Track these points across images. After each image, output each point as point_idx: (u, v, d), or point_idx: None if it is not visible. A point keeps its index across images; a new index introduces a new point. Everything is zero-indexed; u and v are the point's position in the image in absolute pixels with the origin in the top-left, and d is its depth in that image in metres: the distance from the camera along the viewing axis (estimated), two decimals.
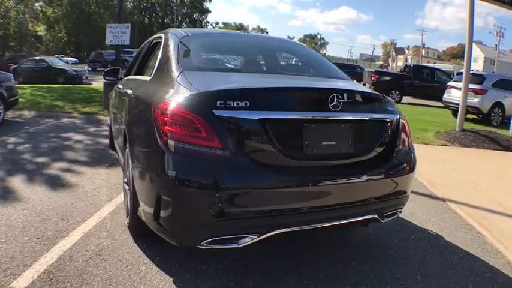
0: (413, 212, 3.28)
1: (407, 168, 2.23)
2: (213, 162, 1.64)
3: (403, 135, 2.24)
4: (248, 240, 1.73)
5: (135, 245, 2.34)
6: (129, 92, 2.65)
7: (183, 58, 2.26)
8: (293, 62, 2.79)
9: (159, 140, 1.70)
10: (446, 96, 11.65)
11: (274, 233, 1.76)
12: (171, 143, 1.65)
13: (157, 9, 53.86)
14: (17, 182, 3.35)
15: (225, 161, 1.65)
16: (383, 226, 2.87)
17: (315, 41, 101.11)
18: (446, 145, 6.58)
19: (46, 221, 2.60)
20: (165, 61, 2.32)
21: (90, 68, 24.03)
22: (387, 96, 2.30)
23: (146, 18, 52.74)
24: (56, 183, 3.42)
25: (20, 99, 8.49)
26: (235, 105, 1.68)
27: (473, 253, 2.55)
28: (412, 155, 2.32)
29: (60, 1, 40.03)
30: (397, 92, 15.14)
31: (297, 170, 1.81)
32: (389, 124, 2.16)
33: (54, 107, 8.41)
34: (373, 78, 15.47)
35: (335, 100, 1.85)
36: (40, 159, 4.18)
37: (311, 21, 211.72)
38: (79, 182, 3.48)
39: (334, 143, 1.94)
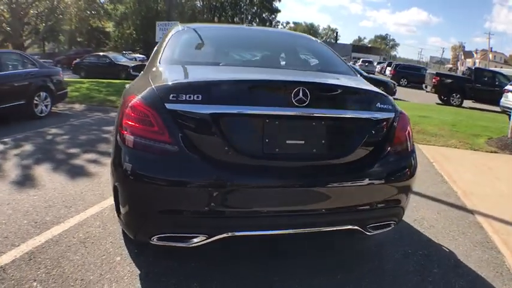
0: (432, 224, 2.97)
1: (401, 174, 1.99)
2: (161, 156, 1.63)
3: (399, 137, 2.00)
4: (198, 240, 1.69)
5: (121, 236, 2.42)
6: (126, 86, 2.77)
7: (167, 52, 2.29)
8: (284, 55, 2.65)
9: (118, 133, 1.75)
10: (503, 101, 10.85)
11: (224, 235, 1.69)
12: (126, 136, 1.68)
13: (226, 9, 55.21)
14: (40, 170, 3.69)
15: (173, 155, 1.62)
16: (389, 237, 2.66)
17: (385, 42, 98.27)
18: (495, 152, 5.86)
19: (50, 207, 2.82)
20: (154, 55, 2.39)
21: None
22: (383, 93, 2.02)
23: (216, 18, 54.35)
24: (76, 172, 3.70)
25: (75, 93, 9.39)
26: (187, 98, 1.63)
27: (484, 276, 2.23)
28: (411, 160, 2.06)
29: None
30: (458, 95, 14.59)
31: (254, 170, 1.69)
32: (378, 124, 1.93)
33: (106, 101, 8.86)
34: (434, 80, 15.04)
35: (300, 94, 1.69)
36: (72, 150, 4.55)
37: (382, 22, 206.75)
38: (98, 173, 3.72)
39: (302, 142, 1.77)
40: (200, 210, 1.67)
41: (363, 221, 1.91)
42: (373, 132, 1.90)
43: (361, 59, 36.75)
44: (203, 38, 2.59)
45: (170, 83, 1.72)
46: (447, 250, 2.56)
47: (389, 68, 27.16)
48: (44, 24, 18.45)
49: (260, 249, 2.36)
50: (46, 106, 6.70)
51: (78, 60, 19.04)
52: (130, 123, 1.68)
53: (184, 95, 1.63)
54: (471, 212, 3.29)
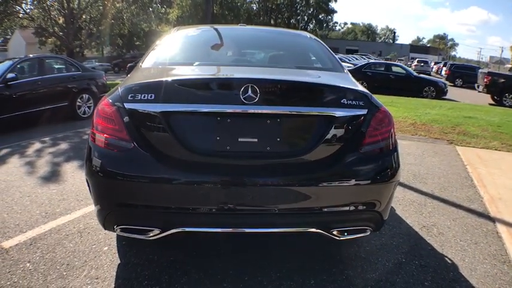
0: (443, 231, 2.82)
1: (375, 176, 1.91)
2: (119, 153, 1.81)
3: (372, 135, 1.91)
4: (153, 234, 1.84)
5: None
6: None
7: (151, 55, 2.49)
8: (267, 54, 2.69)
9: (91, 131, 1.98)
10: None
11: (176, 230, 1.82)
12: (96, 134, 1.89)
13: (282, 10, 56.71)
14: (67, 167, 4.17)
15: (128, 152, 1.79)
16: (385, 244, 2.60)
17: (444, 42, 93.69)
18: None
19: (63, 200, 3.20)
20: (142, 59, 2.60)
21: None
22: (355, 89, 1.97)
23: (272, 20, 56.06)
24: None
25: None
26: (142, 98, 1.78)
27: None
28: (388, 161, 1.96)
29: (181, 2, 45.16)
30: (511, 96, 13.80)
31: (204, 167, 1.78)
32: (343, 121, 1.87)
33: None
34: (485, 80, 14.31)
35: (249, 91, 1.74)
36: None
37: (441, 22, 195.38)
38: None
39: (255, 140, 1.81)
40: (152, 205, 1.83)
41: (325, 224, 1.89)
42: (337, 130, 1.85)
43: (417, 59, 35.57)
44: (190, 39, 2.75)
45: (130, 84, 1.89)
46: (450, 262, 2.42)
47: (444, 68, 26.49)
48: (95, 29, 20.15)
49: (242, 247, 2.46)
50: (89, 108, 7.44)
51: (132, 63, 20.71)
52: (98, 122, 1.90)
53: (140, 95, 1.80)
54: (493, 219, 3.04)
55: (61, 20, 19.96)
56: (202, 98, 1.81)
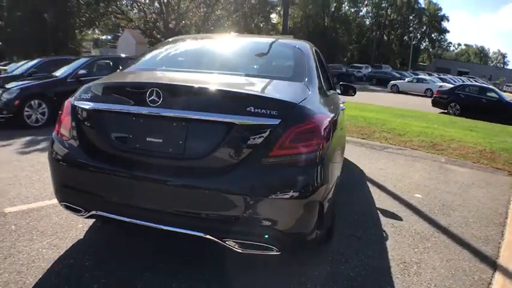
0: (423, 271, 2.49)
1: (276, 191, 1.83)
2: (62, 141, 2.21)
3: (285, 147, 1.86)
4: (82, 214, 2.16)
5: None
6: None
7: (138, 59, 2.90)
8: (234, 61, 2.83)
9: None
10: None
11: (93, 213, 2.10)
12: (57, 125, 2.34)
13: (395, 27, 57.70)
14: None
15: (67, 141, 2.19)
16: (336, 273, 2.41)
17: None
18: None
19: None
20: None
21: None
22: (271, 98, 1.98)
23: (385, 36, 57.35)
24: None
25: None
26: (83, 97, 2.18)
27: None
28: (302, 177, 1.86)
29: (293, 13, 47.03)
30: None
31: (116, 161, 2.03)
32: (248, 129, 1.86)
33: None
34: None
35: (153, 95, 1.93)
36: None
37: None
38: None
39: (160, 140, 1.98)
40: (78, 188, 2.16)
41: (216, 232, 1.90)
42: (237, 137, 1.87)
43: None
44: (174, 47, 3.10)
45: (85, 86, 2.29)
46: None
47: None
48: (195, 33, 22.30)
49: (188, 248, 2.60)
50: None
51: None
52: (59, 114, 2.34)
53: (84, 94, 2.21)
54: (495, 267, 2.61)
55: (160, 23, 22.18)
56: (121, 99, 2.08)
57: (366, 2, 55.11)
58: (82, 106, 2.16)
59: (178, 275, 2.23)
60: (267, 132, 1.86)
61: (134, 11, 24.97)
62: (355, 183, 4.46)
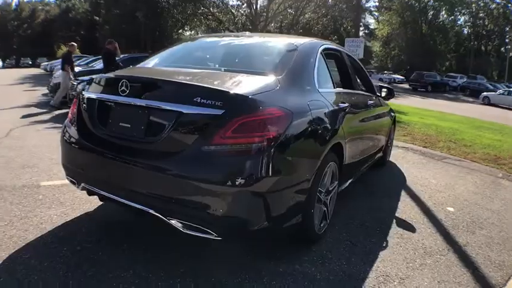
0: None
1: (210, 178, 1.96)
2: (70, 124, 2.65)
3: (226, 136, 1.97)
4: (76, 187, 2.57)
5: None
6: None
7: (143, 59, 3.26)
8: (225, 59, 3.00)
9: None
10: None
11: (82, 185, 2.46)
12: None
13: (492, 37, 54.53)
14: None
15: (72, 123, 2.62)
16: (307, 274, 2.40)
17: None
18: None
19: None
20: None
21: (410, 87, 28.65)
22: (218, 89, 2.12)
23: (482, 46, 54.96)
24: None
25: None
26: (86, 87, 2.64)
27: None
28: (242, 166, 1.96)
29: (390, 19, 47.27)
30: None
31: (99, 142, 2.38)
32: (193, 118, 2.04)
33: None
34: None
35: (123, 86, 2.27)
36: None
37: None
38: None
39: (129, 125, 2.29)
40: (72, 162, 2.58)
41: (161, 210, 2.10)
42: (183, 125, 2.07)
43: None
44: (189, 45, 3.41)
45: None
46: None
47: None
48: None
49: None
50: None
51: None
52: (72, 104, 2.79)
53: (87, 86, 2.66)
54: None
55: (248, 25, 23.19)
56: (106, 90, 2.48)
57: (464, 11, 52.33)
58: (82, 95, 2.59)
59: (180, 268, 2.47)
60: (210, 122, 2.02)
61: (225, 13, 26.21)
62: (389, 190, 4.28)
